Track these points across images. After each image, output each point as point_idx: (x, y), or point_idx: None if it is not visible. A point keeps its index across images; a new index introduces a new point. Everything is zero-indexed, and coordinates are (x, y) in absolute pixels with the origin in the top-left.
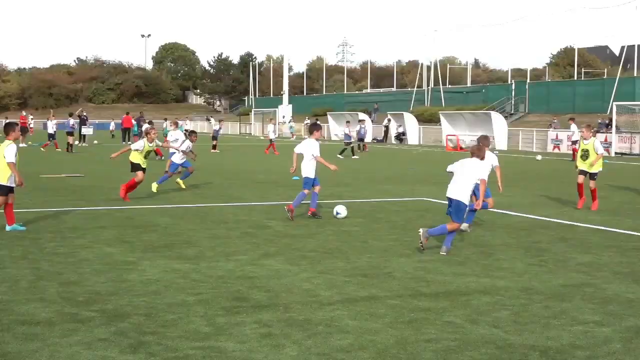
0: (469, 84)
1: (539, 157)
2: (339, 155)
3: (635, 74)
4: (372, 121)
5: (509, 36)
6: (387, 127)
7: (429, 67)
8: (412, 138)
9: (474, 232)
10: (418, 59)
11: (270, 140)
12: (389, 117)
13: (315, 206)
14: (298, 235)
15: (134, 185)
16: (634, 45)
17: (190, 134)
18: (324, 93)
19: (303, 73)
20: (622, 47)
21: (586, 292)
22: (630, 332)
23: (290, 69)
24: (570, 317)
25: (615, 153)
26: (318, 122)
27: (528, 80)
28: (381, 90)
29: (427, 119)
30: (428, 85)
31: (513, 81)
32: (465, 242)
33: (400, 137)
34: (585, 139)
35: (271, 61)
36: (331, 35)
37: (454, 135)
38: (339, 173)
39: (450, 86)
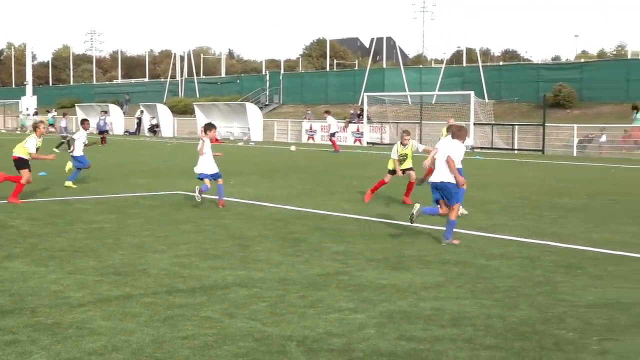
0: (223, 75)
1: (292, 148)
2: (55, 149)
3: (384, 65)
4: (123, 113)
5: (263, 27)
6: (139, 118)
7: (182, 57)
8: (166, 130)
9: (231, 224)
10: (171, 49)
11: None
12: (142, 108)
13: (222, 197)
14: (45, 234)
15: (21, 187)
16: (382, 38)
17: (82, 122)
18: (72, 83)
19: (48, 62)
20: (372, 39)
21: (341, 280)
22: (383, 317)
23: (34, 57)
24: (326, 306)
25: (367, 143)
26: (212, 123)
27: (282, 72)
28: (133, 80)
29: (182, 110)
30: (182, 76)
31: (267, 72)
32: (222, 235)
33: (154, 129)
34: (403, 144)
35: (12, 49)
36: (78, 23)
37: None
38: (90, 168)
39: (204, 77)
